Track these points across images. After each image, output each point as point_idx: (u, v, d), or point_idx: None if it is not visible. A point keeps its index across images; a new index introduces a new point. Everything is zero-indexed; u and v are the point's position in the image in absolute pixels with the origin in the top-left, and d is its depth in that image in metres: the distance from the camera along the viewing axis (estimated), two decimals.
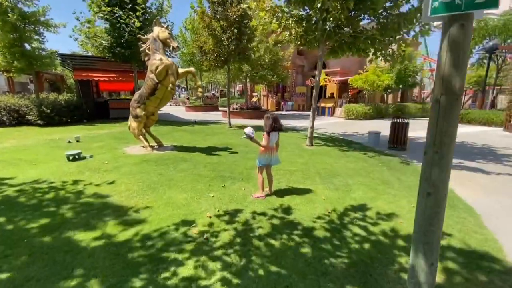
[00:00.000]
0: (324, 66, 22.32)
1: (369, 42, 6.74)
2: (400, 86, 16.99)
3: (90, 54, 15.82)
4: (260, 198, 3.87)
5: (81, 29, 12.64)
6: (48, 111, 12.02)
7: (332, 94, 19.32)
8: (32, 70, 13.29)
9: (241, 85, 34.25)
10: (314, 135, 9.53)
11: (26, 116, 11.99)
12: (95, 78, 13.97)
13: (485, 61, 15.10)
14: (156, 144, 7.66)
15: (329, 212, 3.45)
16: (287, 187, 4.37)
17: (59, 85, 26.13)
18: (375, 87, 15.58)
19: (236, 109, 16.38)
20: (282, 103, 23.27)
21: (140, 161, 5.97)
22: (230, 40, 10.29)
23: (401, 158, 6.57)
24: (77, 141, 8.36)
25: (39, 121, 11.98)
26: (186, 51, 21.02)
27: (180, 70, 6.58)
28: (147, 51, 6.77)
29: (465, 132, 11.36)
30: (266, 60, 14.83)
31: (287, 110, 22.96)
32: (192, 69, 6.55)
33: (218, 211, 3.46)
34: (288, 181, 4.66)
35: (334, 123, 14.37)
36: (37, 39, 13.42)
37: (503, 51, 13.70)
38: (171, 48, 6.46)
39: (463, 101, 15.54)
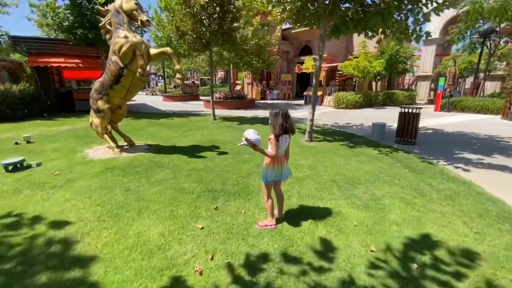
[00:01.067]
0: (310, 52, 21.23)
1: (380, 18, 5.67)
2: (390, 72, 16.30)
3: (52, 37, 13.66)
4: (270, 227, 2.77)
5: (37, 5, 10.58)
6: None
7: (320, 82, 18.32)
8: None
9: (222, 73, 32.52)
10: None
11: None
12: (53, 65, 11.98)
13: (477, 46, 14.66)
14: (126, 144, 6.30)
15: (373, 250, 2.41)
16: (300, 206, 3.29)
17: (19, 73, 23.19)
18: (366, 74, 14.75)
19: (220, 98, 14.99)
20: (268, 91, 22.05)
21: (103, 169, 4.65)
22: (211, 19, 8.87)
23: (416, 155, 5.70)
24: (27, 142, 6.78)
25: None
26: (162, 34, 19.04)
27: (153, 51, 5.20)
28: (107, 26, 5.31)
29: (461, 121, 10.83)
30: (252, 44, 13.43)
31: (272, 99, 21.81)
32: (167, 49, 5.18)
33: (213, 258, 2.31)
34: (299, 194, 3.59)
35: (324, 113, 13.44)
36: None
37: (498, 34, 13.22)
38: (139, 22, 5.04)
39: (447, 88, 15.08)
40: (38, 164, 4.93)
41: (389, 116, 11.88)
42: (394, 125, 8.40)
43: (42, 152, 5.87)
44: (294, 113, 13.05)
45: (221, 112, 13.23)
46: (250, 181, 4.05)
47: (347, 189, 3.75)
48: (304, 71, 17.51)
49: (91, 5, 10.87)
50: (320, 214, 3.07)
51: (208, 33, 9.06)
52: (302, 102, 19.22)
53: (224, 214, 3.06)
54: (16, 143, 6.59)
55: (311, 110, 6.66)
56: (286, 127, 2.63)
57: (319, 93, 17.21)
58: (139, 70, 4.85)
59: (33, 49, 11.81)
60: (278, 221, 2.89)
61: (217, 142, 6.69)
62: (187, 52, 10.32)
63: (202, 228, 2.78)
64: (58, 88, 14.50)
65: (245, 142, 2.53)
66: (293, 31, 21.20)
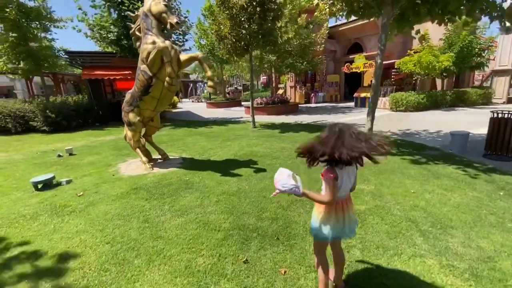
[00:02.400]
0: (361, 49, 19.40)
1: None
2: (461, 67, 13.78)
3: (101, 50, 14.58)
4: None
5: (84, 19, 11.23)
6: (53, 116, 10.84)
7: (372, 81, 16.47)
8: (39, 71, 12.24)
9: (265, 77, 32.04)
10: None
11: (30, 122, 10.90)
12: (104, 77, 12.60)
13: None
14: (159, 157, 5.89)
15: None
16: (367, 264, 2.26)
17: (81, 86, 25.70)
18: (431, 71, 12.62)
19: (261, 104, 14.30)
20: (312, 94, 20.73)
21: (128, 189, 4.18)
22: (251, 19, 8.20)
23: None
24: (70, 154, 6.84)
25: (45, 128, 10.86)
26: (206, 42, 19.22)
27: (183, 57, 4.64)
28: (137, 32, 4.92)
29: None
30: (295, 44, 12.43)
31: (317, 103, 20.42)
32: (198, 53, 4.57)
33: None
34: (363, 243, 2.55)
35: (381, 117, 11.73)
36: (45, 37, 12.31)
37: None
38: (168, 25, 4.53)
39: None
40: (68, 182, 4.69)
41: (462, 120, 9.82)
42: (473, 131, 6.68)
43: (78, 166, 5.75)
44: (343, 118, 11.76)
45: (262, 118, 12.50)
46: (293, 216, 3.13)
47: (436, 237, 2.59)
48: (354, 70, 15.89)
49: None
50: (402, 283, 2.01)
51: (247, 35, 8.41)
52: (351, 104, 17.54)
53: (256, 273, 2.20)
54: (59, 156, 6.67)
55: (369, 116, 5.47)
56: (348, 157, 1.64)
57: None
58: (167, 78, 4.31)
59: (86, 62, 12.58)
60: None
61: (255, 156, 5.89)
62: (225, 57, 9.80)
63: None
64: (110, 98, 15.38)
65: (277, 190, 1.65)
66: (340, 28, 19.65)
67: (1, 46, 10.99)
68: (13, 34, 10.79)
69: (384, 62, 15.72)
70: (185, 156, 6.24)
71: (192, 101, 32.94)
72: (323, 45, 15.59)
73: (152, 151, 5.88)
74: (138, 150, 5.48)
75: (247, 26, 8.34)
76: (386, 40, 4.96)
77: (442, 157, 5.30)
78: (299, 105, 17.34)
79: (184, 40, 13.00)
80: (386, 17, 4.87)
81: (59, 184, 4.62)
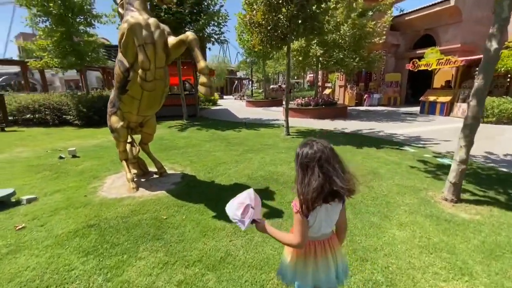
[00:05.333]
0: (432, 42, 16.03)
1: None
2: None
3: None
4: None
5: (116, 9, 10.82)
6: (85, 110, 10.63)
7: (448, 82, 13.23)
8: (83, 65, 12.30)
9: (312, 75, 29.64)
10: (438, 159, 5.03)
11: (63, 116, 10.88)
12: None
13: None
14: (155, 171, 4.66)
15: None
16: None
17: None
18: None
19: (301, 105, 12.43)
20: (366, 95, 17.96)
21: (81, 227, 2.95)
22: (290, 1, 6.51)
23: None
24: (73, 156, 6.08)
25: (77, 121, 10.75)
26: (247, 37, 17.92)
27: (172, 40, 3.20)
28: (119, 9, 3.67)
29: None
30: (348, 34, 10.21)
31: (371, 105, 17.59)
32: (189, 34, 3.06)
33: None
34: None
35: (458, 130, 8.98)
36: (86, 31, 12.27)
37: None
38: None
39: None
40: (30, 200, 3.68)
41: None
42: None
43: (66, 175, 4.83)
44: (402, 129, 9.09)
45: (301, 122, 10.70)
46: None
47: None
48: (423, 68, 12.91)
49: (164, 5, 10.29)
50: None
51: (285, 20, 6.72)
52: (415, 109, 14.52)
53: None
54: (61, 157, 5.93)
55: (462, 141, 3.37)
56: (324, 190, 1.12)
57: (446, 99, 12.28)
58: (139, 71, 2.94)
59: None
60: None
61: (276, 181, 4.25)
62: (257, 49, 8.26)
63: None
64: None
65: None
66: (406, 18, 16.54)
67: (49, 41, 11.11)
68: (61, 29, 10.81)
69: (467, 58, 12.35)
70: (188, 171, 4.90)
71: (235, 99, 32.25)
72: (384, 37, 12.94)
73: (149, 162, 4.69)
74: (124, 162, 4.28)
75: (285, 10, 6.66)
76: (510, 13, 2.85)
77: None
78: (349, 108, 14.98)
79: (220, 32, 11.77)
80: None
81: (18, 202, 3.65)
